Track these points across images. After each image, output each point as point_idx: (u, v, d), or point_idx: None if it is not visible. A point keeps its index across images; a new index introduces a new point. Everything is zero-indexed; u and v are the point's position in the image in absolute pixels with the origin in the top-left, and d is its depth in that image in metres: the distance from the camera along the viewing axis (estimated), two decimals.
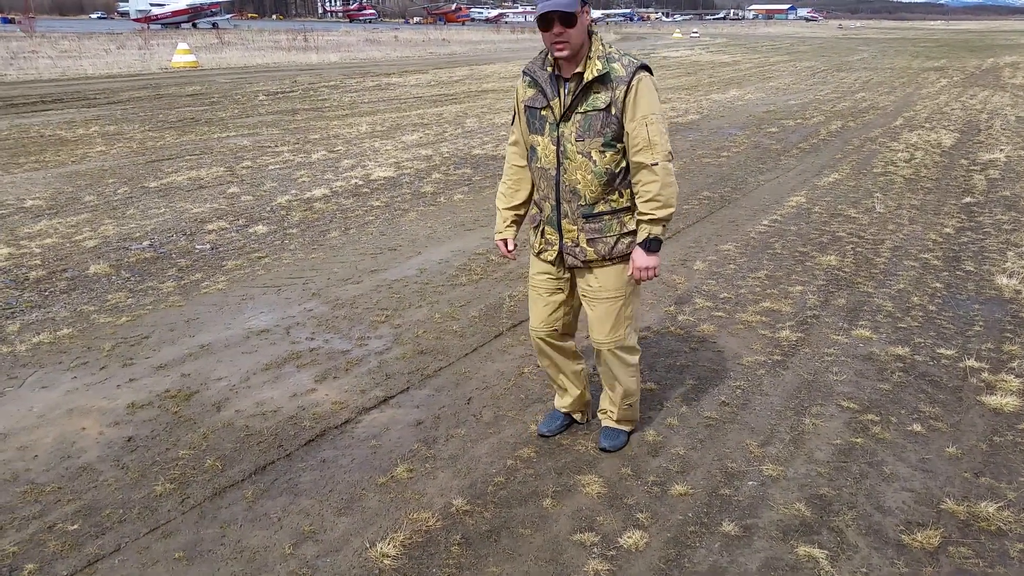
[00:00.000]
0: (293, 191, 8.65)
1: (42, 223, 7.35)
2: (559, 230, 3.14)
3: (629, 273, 3.11)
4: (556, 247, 3.17)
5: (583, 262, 3.13)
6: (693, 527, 2.95)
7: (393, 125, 13.84)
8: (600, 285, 3.16)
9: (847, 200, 8.20)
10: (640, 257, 3.05)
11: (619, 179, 3.04)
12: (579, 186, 3.02)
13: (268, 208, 7.93)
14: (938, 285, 5.59)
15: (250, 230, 7.13)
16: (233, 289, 5.61)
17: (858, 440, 3.54)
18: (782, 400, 3.91)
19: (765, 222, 7.35)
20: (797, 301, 5.28)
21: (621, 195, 3.07)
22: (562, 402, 3.63)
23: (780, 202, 8.15)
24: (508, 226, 3.37)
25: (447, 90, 20.34)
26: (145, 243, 6.74)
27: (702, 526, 2.96)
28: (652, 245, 3.03)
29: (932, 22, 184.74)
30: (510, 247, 3.40)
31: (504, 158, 3.29)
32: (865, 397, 3.94)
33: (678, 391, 3.98)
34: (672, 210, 3.00)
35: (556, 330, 3.36)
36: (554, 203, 3.11)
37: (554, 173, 3.06)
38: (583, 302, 3.27)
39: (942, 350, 4.49)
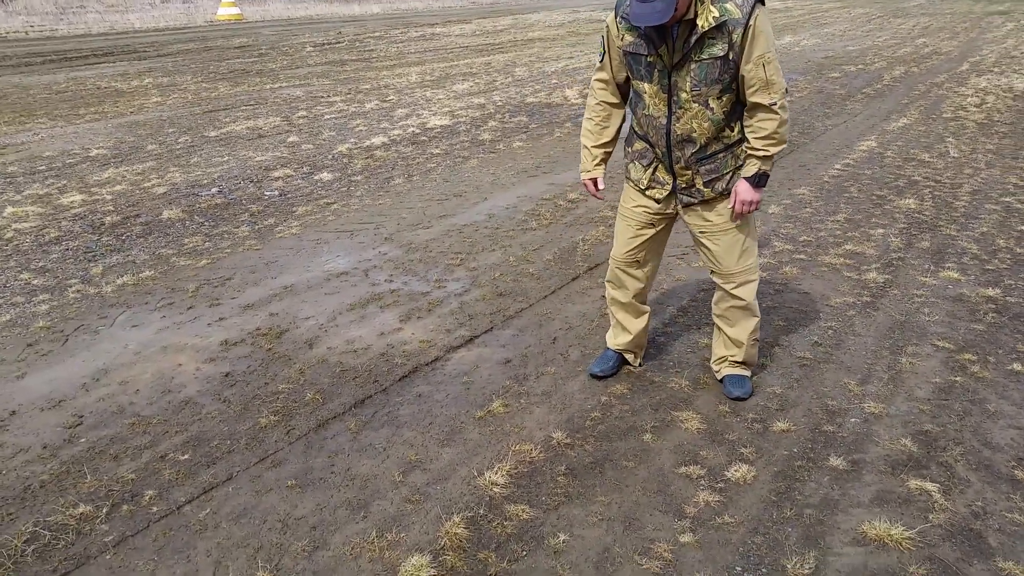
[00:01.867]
0: (352, 140, 8.64)
1: (109, 171, 7.45)
2: (672, 172, 3.09)
3: (731, 206, 3.05)
4: (669, 187, 3.12)
5: (701, 202, 3.09)
6: (800, 461, 2.93)
7: (442, 75, 13.71)
8: (723, 219, 3.09)
9: (919, 145, 7.95)
10: (746, 190, 2.98)
11: (733, 117, 2.96)
12: (694, 134, 2.93)
13: (330, 156, 7.94)
14: (1023, 228, 5.42)
15: (315, 177, 7.16)
16: (307, 233, 5.66)
17: (957, 379, 3.47)
18: (876, 340, 3.84)
19: (837, 166, 7.16)
20: (880, 244, 5.15)
21: (732, 130, 2.99)
22: (617, 340, 3.57)
23: (850, 147, 7.93)
24: (597, 164, 3.28)
25: (493, 39, 20.06)
26: (214, 190, 6.80)
27: (809, 460, 2.94)
28: (761, 180, 2.96)
29: None
30: (600, 186, 3.32)
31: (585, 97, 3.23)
32: (959, 337, 3.85)
33: (767, 332, 3.93)
34: (785, 146, 2.94)
35: (637, 261, 3.32)
36: (664, 150, 3.03)
37: (664, 122, 2.96)
38: (701, 239, 3.18)
39: None
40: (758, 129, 2.88)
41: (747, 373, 3.45)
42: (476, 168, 7.45)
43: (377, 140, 8.58)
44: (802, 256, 4.96)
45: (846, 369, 3.57)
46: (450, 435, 3.16)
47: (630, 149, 3.24)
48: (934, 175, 6.83)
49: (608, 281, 3.49)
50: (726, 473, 2.86)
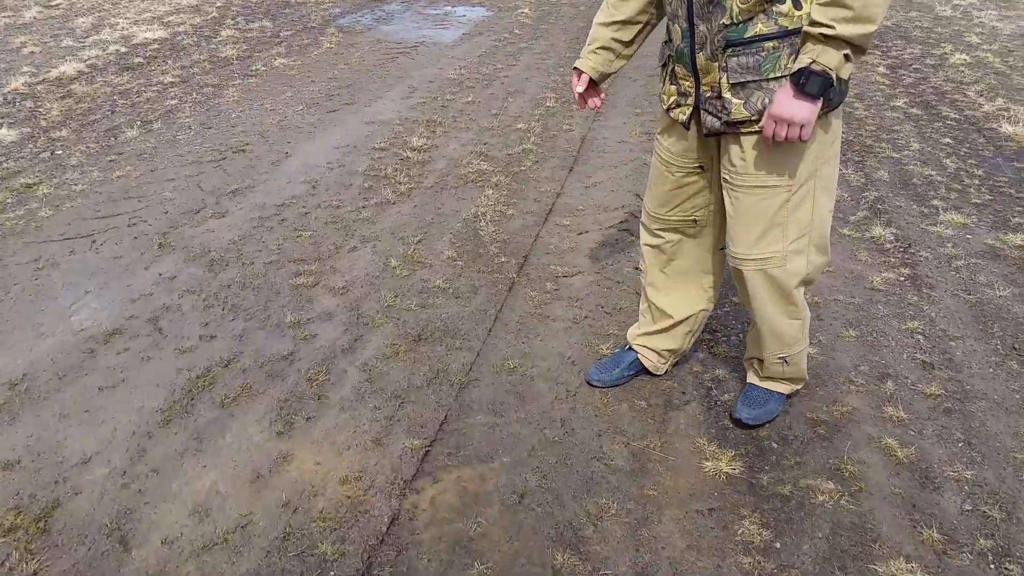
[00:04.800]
0: (26, 69, 5.84)
1: None
2: (694, 70, 1.91)
3: (760, 125, 1.82)
4: (692, 98, 1.96)
5: (726, 123, 1.87)
6: None
7: None
8: (748, 163, 1.89)
9: None
10: (783, 99, 1.74)
11: None
12: None
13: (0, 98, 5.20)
14: (947, 141, 4.71)
15: None
16: (6, 253, 3.31)
17: None
18: (978, 340, 2.76)
19: None
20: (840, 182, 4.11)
21: (797, 2, 1.72)
22: (639, 330, 2.47)
23: None
24: (594, 51, 2.13)
25: None
26: None
27: None
28: (812, 82, 1.69)
29: None
30: (579, 86, 2.16)
31: None
32: None
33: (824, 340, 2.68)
34: (874, 28, 1.65)
35: (695, 220, 2.19)
36: (685, 24, 1.86)
37: None
38: (729, 201, 2.00)
39: None
40: None
41: (780, 389, 2.30)
42: (241, 102, 5.25)
43: (68, 68, 5.87)
44: None
45: (996, 404, 2.43)
46: None
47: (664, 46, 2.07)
48: None
49: (641, 253, 2.35)
50: None
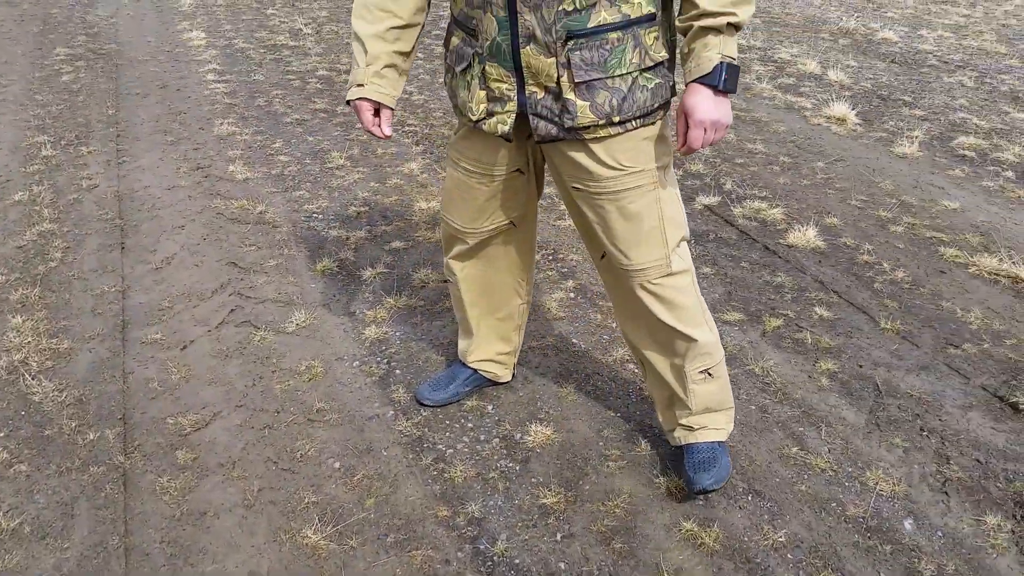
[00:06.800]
0: None
1: None
2: (516, 69, 1.58)
3: (676, 136, 1.61)
4: (514, 103, 1.63)
5: (568, 130, 1.60)
6: None
7: None
8: (611, 172, 1.65)
9: None
10: (706, 104, 1.53)
11: None
12: None
13: None
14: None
15: None
16: None
17: None
18: None
19: None
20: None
21: None
22: (475, 354, 2.22)
23: None
24: (378, 73, 1.72)
25: None
26: None
27: None
28: (732, 77, 1.51)
29: None
30: (386, 126, 1.78)
31: None
32: None
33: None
34: (754, 6, 1.54)
35: (511, 222, 1.94)
36: (503, 12, 1.53)
37: None
38: (578, 204, 1.75)
39: None
40: None
41: (718, 436, 1.94)
42: None
43: None
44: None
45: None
46: None
47: (447, 52, 1.76)
48: None
49: (449, 266, 2.07)
50: None
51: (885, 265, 2.99)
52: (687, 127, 1.56)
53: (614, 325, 2.60)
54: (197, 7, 6.74)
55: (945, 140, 4.26)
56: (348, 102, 1.77)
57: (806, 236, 3.15)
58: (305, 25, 6.27)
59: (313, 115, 4.51)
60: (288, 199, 3.52)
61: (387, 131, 1.78)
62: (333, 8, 6.81)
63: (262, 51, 5.60)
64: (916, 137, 4.24)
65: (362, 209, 3.44)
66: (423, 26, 1.78)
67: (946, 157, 4.04)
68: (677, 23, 1.56)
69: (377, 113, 1.76)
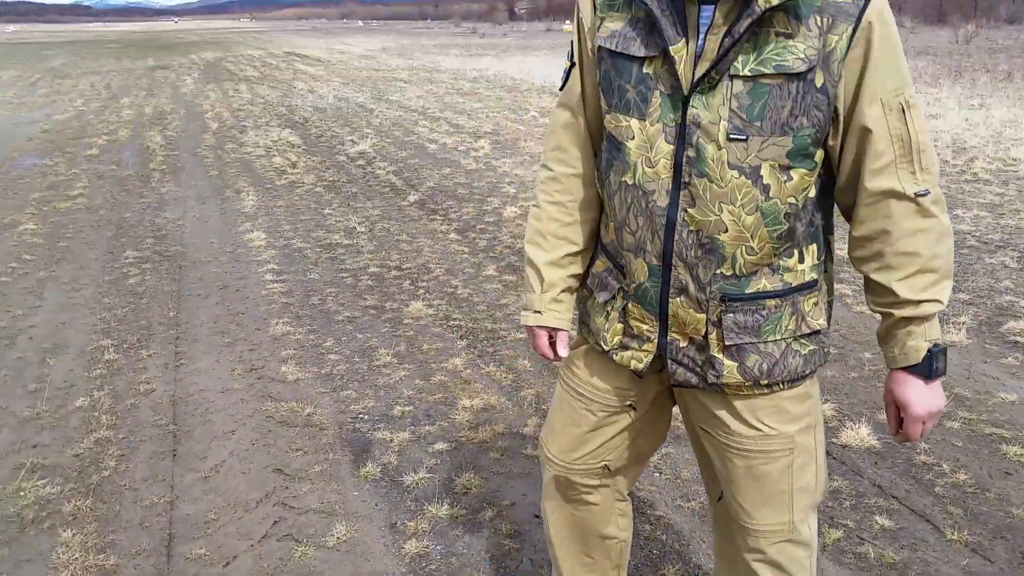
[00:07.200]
0: None
1: None
2: (661, 315, 1.52)
3: (898, 429, 1.53)
4: (654, 344, 1.56)
5: (710, 385, 1.52)
6: None
7: None
8: (749, 431, 1.54)
9: (324, 227, 6.65)
10: (921, 397, 1.45)
11: (804, 222, 1.46)
12: (723, 236, 1.42)
13: None
14: None
15: None
16: None
17: None
18: None
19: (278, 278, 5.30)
20: None
21: (802, 256, 1.48)
22: None
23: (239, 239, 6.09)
24: (556, 299, 1.68)
25: None
26: None
27: None
28: (938, 365, 1.44)
29: (89, 24, 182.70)
30: (561, 349, 1.71)
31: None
32: None
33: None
34: (951, 284, 1.46)
35: (605, 466, 1.75)
36: (658, 260, 1.49)
37: (665, 201, 1.44)
38: (703, 442, 1.66)
39: None
40: (899, 256, 1.41)
41: None
42: None
43: None
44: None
45: None
46: None
47: (589, 272, 1.71)
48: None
49: (546, 498, 1.85)
50: None
51: (945, 466, 2.88)
52: (899, 418, 1.51)
53: (664, 537, 2.52)
54: (259, 208, 7.21)
55: (994, 325, 4.22)
56: (529, 327, 1.74)
57: (859, 434, 3.08)
58: (359, 224, 6.63)
59: (363, 312, 4.67)
60: (335, 399, 3.58)
61: (563, 353, 1.73)
62: (385, 207, 7.23)
63: (318, 250, 5.91)
64: (963, 323, 4.21)
65: (407, 408, 3.48)
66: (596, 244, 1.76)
67: (996, 344, 3.98)
68: (870, 306, 1.50)
69: (550, 336, 1.73)
